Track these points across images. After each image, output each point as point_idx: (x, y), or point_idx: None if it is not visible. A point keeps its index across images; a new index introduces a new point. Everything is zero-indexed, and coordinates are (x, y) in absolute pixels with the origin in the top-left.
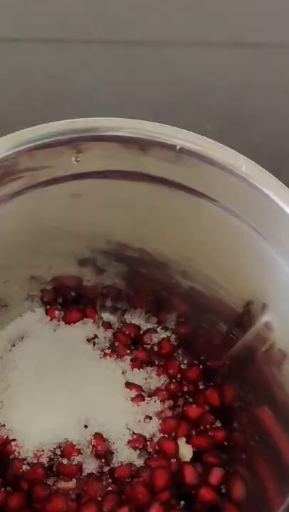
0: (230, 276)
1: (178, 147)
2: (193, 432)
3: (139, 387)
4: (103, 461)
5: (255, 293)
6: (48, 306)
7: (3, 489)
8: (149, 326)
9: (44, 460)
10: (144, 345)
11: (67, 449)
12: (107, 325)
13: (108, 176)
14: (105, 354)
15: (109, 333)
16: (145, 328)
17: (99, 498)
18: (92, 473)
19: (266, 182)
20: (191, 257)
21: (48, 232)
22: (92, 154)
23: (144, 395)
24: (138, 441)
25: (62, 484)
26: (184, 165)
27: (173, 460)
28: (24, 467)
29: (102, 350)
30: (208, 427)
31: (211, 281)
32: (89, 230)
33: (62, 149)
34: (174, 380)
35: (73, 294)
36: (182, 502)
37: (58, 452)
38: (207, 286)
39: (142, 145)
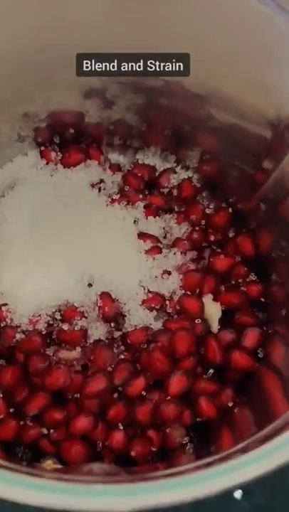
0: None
1: None
2: (222, 288)
3: (154, 238)
4: (113, 325)
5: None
6: (42, 148)
7: None
8: (167, 165)
9: (41, 326)
10: (161, 189)
11: (68, 313)
12: (116, 167)
13: None
14: (113, 201)
15: (118, 177)
16: (162, 169)
17: (109, 369)
18: (99, 340)
19: None
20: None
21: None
22: None
23: (161, 246)
24: (155, 301)
25: (64, 354)
26: None
27: (198, 321)
28: (18, 336)
29: (109, 197)
30: (240, 281)
31: (242, 105)
32: None
33: None
34: (197, 228)
35: (72, 131)
36: (211, 370)
37: (58, 317)
38: (244, 117)
39: None
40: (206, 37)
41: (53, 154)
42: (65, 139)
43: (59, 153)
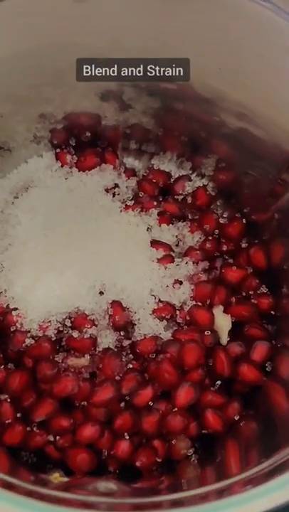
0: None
1: None
2: (233, 299)
3: (167, 246)
4: (122, 333)
5: None
6: (58, 150)
7: (3, 367)
8: (182, 172)
9: (51, 333)
10: (175, 196)
11: (78, 320)
12: (131, 172)
13: None
14: (127, 207)
15: (132, 182)
16: (177, 175)
17: (117, 378)
18: (108, 348)
19: None
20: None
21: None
22: None
23: (173, 255)
24: (165, 310)
25: (73, 361)
26: None
27: (207, 332)
28: (28, 341)
29: (123, 203)
30: (251, 293)
31: (264, 117)
32: None
33: None
34: (210, 238)
35: (88, 134)
36: (218, 382)
37: (68, 323)
38: (258, 124)
39: None
40: (206, 41)
41: (68, 157)
42: (81, 142)
43: (74, 156)
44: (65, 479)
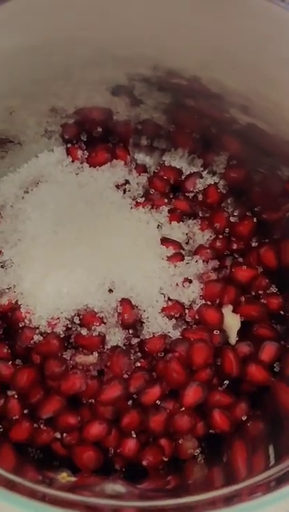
0: None
1: None
2: (242, 299)
3: (177, 244)
4: (131, 331)
5: None
6: (69, 145)
7: (10, 363)
8: (193, 169)
9: (60, 330)
10: (186, 194)
11: (87, 318)
12: (142, 168)
13: None
14: (138, 204)
15: (143, 179)
16: (188, 172)
17: (125, 376)
18: (117, 346)
19: None
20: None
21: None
22: None
23: (183, 253)
24: (174, 309)
25: (81, 358)
26: None
27: (216, 332)
28: (36, 337)
29: (133, 199)
30: (260, 292)
31: (277, 116)
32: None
33: None
34: (220, 236)
35: (100, 129)
36: (226, 382)
37: (77, 321)
38: (272, 124)
39: None
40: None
41: (79, 152)
42: (92, 137)
43: (85, 151)
44: (73, 479)
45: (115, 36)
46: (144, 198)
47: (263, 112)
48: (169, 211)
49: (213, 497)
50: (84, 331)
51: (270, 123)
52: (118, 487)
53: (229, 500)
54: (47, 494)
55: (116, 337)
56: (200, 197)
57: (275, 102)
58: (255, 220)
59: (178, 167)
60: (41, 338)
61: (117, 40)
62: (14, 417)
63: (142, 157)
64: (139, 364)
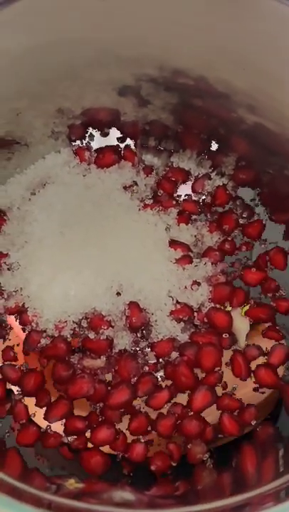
0: None
1: None
2: (252, 302)
3: (186, 247)
4: (139, 335)
5: None
6: (76, 146)
7: (17, 366)
8: (202, 170)
9: (67, 333)
10: (195, 195)
11: (95, 321)
12: (149, 169)
13: None
14: (146, 205)
15: (151, 180)
16: (196, 174)
17: (133, 380)
18: (125, 350)
19: None
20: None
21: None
22: None
23: (191, 255)
24: (183, 312)
25: (89, 362)
26: None
27: (225, 335)
28: (43, 341)
29: (141, 201)
30: (269, 295)
31: (284, 116)
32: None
33: None
34: (229, 238)
35: (107, 130)
36: (234, 385)
37: (84, 324)
38: (278, 123)
39: None
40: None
41: (86, 153)
42: (100, 138)
43: (93, 152)
44: (81, 485)
45: (119, 36)
46: (152, 200)
47: (269, 111)
48: (178, 213)
49: (222, 505)
50: (92, 335)
51: (276, 122)
52: (127, 494)
53: (239, 509)
54: (53, 501)
55: (124, 340)
56: (208, 199)
57: (281, 101)
58: (264, 222)
59: (186, 168)
60: (48, 341)
61: (120, 40)
62: (21, 422)
63: (149, 158)
64: (147, 368)
